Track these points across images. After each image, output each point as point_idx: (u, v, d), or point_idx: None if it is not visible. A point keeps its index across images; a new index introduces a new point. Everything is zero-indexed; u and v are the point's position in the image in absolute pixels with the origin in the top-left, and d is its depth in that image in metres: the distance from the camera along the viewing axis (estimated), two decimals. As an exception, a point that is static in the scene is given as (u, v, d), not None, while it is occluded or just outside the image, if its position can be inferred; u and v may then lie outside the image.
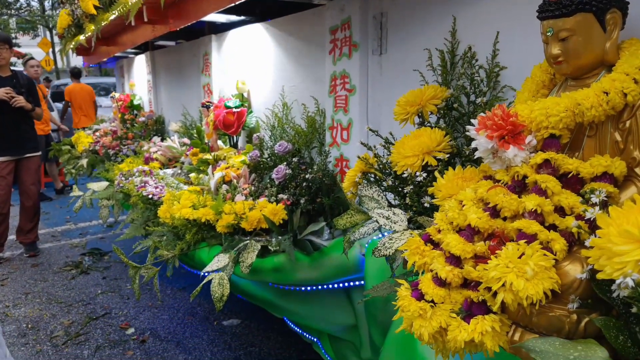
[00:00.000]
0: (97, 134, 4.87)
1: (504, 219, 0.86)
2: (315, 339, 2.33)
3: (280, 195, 2.25)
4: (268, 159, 2.61)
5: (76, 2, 3.93)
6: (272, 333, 3.01)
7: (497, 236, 0.84)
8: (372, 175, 1.41)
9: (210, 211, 2.16)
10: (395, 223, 1.16)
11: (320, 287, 2.05)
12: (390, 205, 1.33)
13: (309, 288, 2.06)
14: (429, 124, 1.38)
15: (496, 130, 0.84)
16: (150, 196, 2.53)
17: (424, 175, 1.16)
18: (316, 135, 2.37)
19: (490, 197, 0.85)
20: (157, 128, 4.65)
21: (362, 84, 2.00)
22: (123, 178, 2.91)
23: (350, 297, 2.11)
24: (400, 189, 1.29)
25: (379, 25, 1.89)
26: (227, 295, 1.72)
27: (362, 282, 2.02)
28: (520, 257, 0.74)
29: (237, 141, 3.10)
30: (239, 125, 2.87)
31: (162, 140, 3.99)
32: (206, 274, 2.17)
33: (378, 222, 1.19)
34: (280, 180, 2.33)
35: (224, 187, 2.42)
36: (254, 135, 2.74)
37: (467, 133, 0.92)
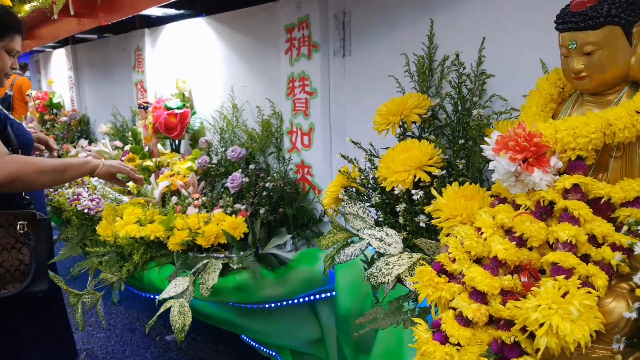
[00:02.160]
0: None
1: (530, 248, 0.79)
2: (273, 353, 2.21)
3: (237, 206, 2.10)
4: (218, 165, 2.43)
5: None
6: (220, 346, 2.84)
7: (525, 269, 0.77)
8: (353, 190, 1.31)
9: (160, 227, 1.96)
10: (389, 245, 1.07)
11: (285, 302, 1.93)
12: (376, 223, 1.24)
13: (272, 305, 1.93)
14: (410, 135, 1.31)
15: (520, 152, 0.77)
16: (85, 210, 2.26)
17: (421, 193, 1.07)
18: (272, 140, 2.23)
19: (517, 225, 0.78)
20: (82, 129, 4.25)
21: (323, 86, 1.89)
22: (51, 189, 2.59)
23: (315, 310, 2.01)
24: (389, 207, 1.20)
25: (341, 25, 1.78)
26: (189, 324, 1.55)
27: (329, 295, 1.93)
28: (563, 296, 0.68)
29: (179, 145, 2.88)
30: (182, 128, 2.65)
31: (90, 143, 3.63)
32: (156, 296, 1.98)
33: (370, 244, 1.09)
34: (236, 190, 2.17)
35: (173, 198, 2.21)
36: (201, 139, 2.54)
37: (484, 153, 0.85)
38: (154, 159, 2.63)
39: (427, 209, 1.05)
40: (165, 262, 1.98)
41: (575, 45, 0.79)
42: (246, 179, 2.13)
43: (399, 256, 1.04)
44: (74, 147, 3.75)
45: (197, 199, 2.27)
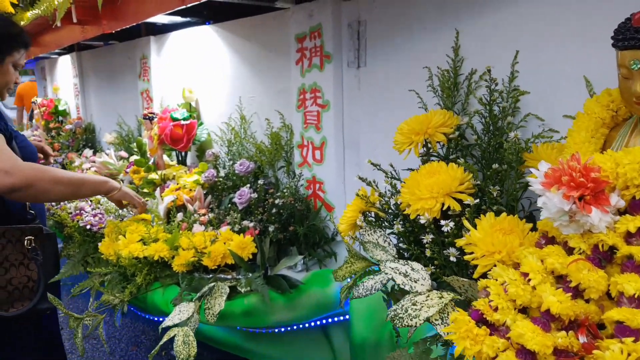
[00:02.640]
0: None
1: (587, 300, 0.68)
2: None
3: (245, 223, 2.00)
4: (226, 179, 2.33)
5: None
6: (229, 364, 2.74)
7: (582, 324, 0.66)
8: (372, 215, 1.20)
9: (164, 247, 1.86)
10: (416, 282, 0.97)
11: (296, 327, 1.82)
12: (399, 252, 1.13)
13: (282, 329, 1.83)
14: (435, 155, 1.20)
15: (575, 188, 0.67)
16: (88, 227, 2.18)
17: (451, 225, 0.97)
18: (282, 154, 2.13)
19: (572, 273, 0.67)
20: (88, 137, 4.17)
21: (336, 99, 1.79)
22: (53, 204, 2.51)
23: (328, 334, 1.91)
24: (412, 236, 1.10)
25: (356, 34, 1.68)
26: (194, 354, 1.45)
27: (343, 319, 1.83)
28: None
29: (185, 157, 2.79)
30: (188, 140, 2.56)
31: (94, 153, 3.56)
32: (159, 319, 1.88)
33: (394, 280, 0.99)
34: (244, 205, 2.07)
35: (179, 215, 2.12)
36: (208, 151, 2.45)
37: (532, 188, 0.74)
38: (159, 172, 2.54)
39: (459, 242, 0.95)
40: (170, 283, 1.89)
41: (638, 66, 0.68)
42: (255, 195, 2.03)
43: (428, 295, 0.93)
44: (79, 156, 3.69)
45: (204, 214, 2.18)
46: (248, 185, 2.11)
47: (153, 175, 2.53)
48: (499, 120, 1.09)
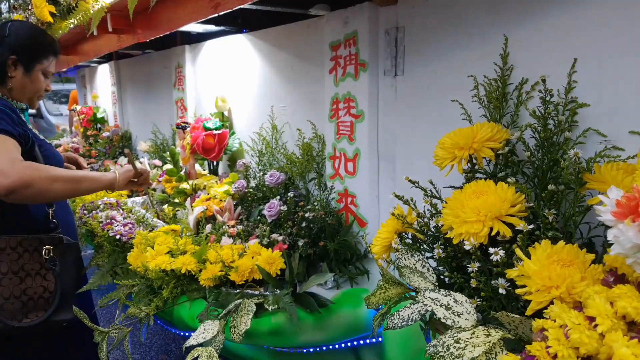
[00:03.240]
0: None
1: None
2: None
3: (274, 236, 1.93)
4: (256, 190, 2.28)
5: (30, 8, 3.49)
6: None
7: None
8: (408, 236, 1.11)
9: (191, 260, 1.82)
10: (459, 316, 0.86)
11: (325, 347, 1.73)
12: (439, 280, 1.03)
13: (311, 349, 1.74)
14: (482, 172, 1.10)
15: (657, 221, 0.56)
16: (118, 237, 2.16)
17: (502, 254, 0.86)
18: (313, 165, 2.06)
19: (652, 323, 0.56)
20: (124, 145, 4.23)
21: (371, 109, 1.71)
22: (85, 212, 2.52)
23: (359, 356, 1.80)
24: (455, 262, 1.00)
25: (394, 41, 1.60)
26: (218, 376, 1.38)
27: (375, 341, 1.73)
28: None
29: (216, 167, 2.76)
30: (220, 150, 2.53)
31: (129, 161, 3.58)
32: (185, 333, 1.83)
33: (434, 313, 0.89)
34: (273, 218, 2.01)
35: (208, 227, 2.07)
36: (239, 161, 2.40)
37: (601, 218, 0.64)
38: (190, 182, 2.52)
39: (510, 273, 0.84)
40: (197, 297, 1.83)
41: None
42: (284, 207, 1.96)
43: (473, 332, 0.83)
44: (115, 163, 3.73)
45: (233, 226, 2.12)
46: (278, 197, 2.05)
47: (184, 185, 2.51)
48: (554, 135, 0.98)
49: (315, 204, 1.89)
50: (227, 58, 2.73)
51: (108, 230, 2.23)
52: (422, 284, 1.02)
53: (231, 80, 2.72)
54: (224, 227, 2.08)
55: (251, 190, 2.27)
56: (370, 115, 1.71)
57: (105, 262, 2.18)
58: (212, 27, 2.63)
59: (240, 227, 2.04)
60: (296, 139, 2.13)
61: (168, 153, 2.89)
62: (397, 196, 1.11)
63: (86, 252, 2.96)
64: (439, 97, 1.44)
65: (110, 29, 2.39)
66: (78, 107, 4.57)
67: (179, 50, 3.18)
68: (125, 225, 2.25)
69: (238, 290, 1.78)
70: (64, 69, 4.61)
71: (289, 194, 1.98)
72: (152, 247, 1.95)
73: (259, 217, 2.10)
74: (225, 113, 2.76)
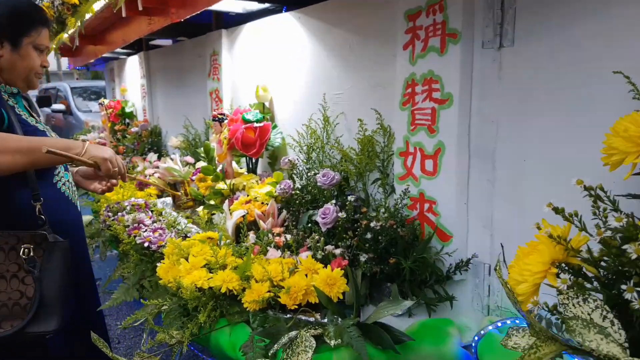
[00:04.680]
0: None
1: None
2: None
3: (329, 248, 1.59)
4: (303, 192, 1.95)
5: (55, -9, 3.26)
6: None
7: None
8: (567, 267, 0.75)
9: (233, 276, 1.49)
10: None
11: (398, 390, 1.39)
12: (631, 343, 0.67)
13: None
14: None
15: None
16: (146, 244, 1.86)
17: None
18: (376, 163, 1.71)
19: None
20: (153, 140, 3.98)
21: (463, 92, 1.35)
22: (110, 214, 2.23)
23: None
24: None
25: (499, 3, 1.23)
26: None
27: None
28: None
29: (256, 164, 2.44)
30: (261, 145, 2.20)
31: (159, 157, 3.31)
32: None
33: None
34: (328, 227, 1.67)
35: (251, 236, 1.75)
36: (284, 158, 2.07)
37: None
38: (228, 181, 2.20)
39: None
40: (239, 321, 1.51)
41: None
42: (343, 214, 1.62)
43: None
44: (144, 159, 3.47)
45: (278, 234, 1.80)
46: (333, 201, 1.71)
47: (221, 185, 2.20)
48: None
49: (382, 210, 1.54)
50: (269, 41, 2.40)
51: (135, 237, 1.93)
52: (604, 345, 0.66)
53: (274, 67, 2.40)
54: (268, 235, 1.75)
55: (298, 192, 1.94)
56: (461, 100, 1.35)
57: (131, 273, 1.89)
58: (253, 5, 2.31)
59: (288, 236, 1.71)
60: (355, 132, 1.78)
61: (202, 149, 2.59)
62: (557, 210, 0.74)
63: (112, 252, 2.69)
64: (570, 76, 1.07)
65: (140, 7, 2.10)
66: (106, 101, 4.34)
67: (215, 36, 2.88)
68: (154, 230, 1.95)
69: (289, 315, 1.45)
70: (92, 60, 4.39)
71: (349, 197, 1.63)
72: (186, 259, 1.64)
73: (309, 225, 1.77)
74: (267, 104, 2.44)
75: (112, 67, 5.11)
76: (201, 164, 2.72)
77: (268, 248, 1.68)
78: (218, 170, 2.35)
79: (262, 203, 2.03)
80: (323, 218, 1.66)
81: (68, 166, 1.82)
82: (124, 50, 4.62)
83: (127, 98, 4.59)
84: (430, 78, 1.43)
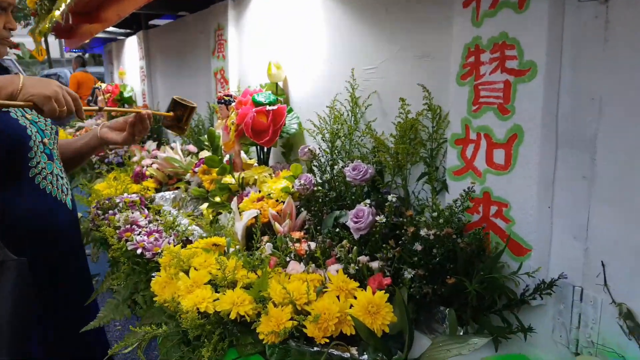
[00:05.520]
0: (79, 133, 3.88)
1: None
2: None
3: (362, 259, 1.27)
4: (327, 188, 1.62)
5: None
6: None
7: None
8: None
9: (245, 297, 1.18)
10: None
11: None
12: None
13: None
14: None
15: None
16: (139, 251, 1.54)
17: None
18: (420, 154, 1.38)
19: None
20: (153, 127, 3.65)
21: (551, 60, 1.01)
22: (99, 212, 1.92)
23: None
24: None
25: None
26: None
27: None
28: None
29: (267, 154, 2.11)
30: (275, 132, 1.87)
31: (158, 146, 2.99)
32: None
33: None
34: (362, 233, 1.34)
35: (267, 245, 1.43)
36: (302, 148, 1.74)
37: None
38: (236, 175, 1.88)
39: None
40: (252, 353, 1.20)
41: None
42: (381, 218, 1.29)
43: None
44: (142, 147, 3.15)
45: (298, 240, 1.47)
46: (367, 201, 1.38)
47: (228, 179, 1.87)
48: None
49: (432, 214, 1.21)
50: (284, 10, 2.06)
51: (126, 241, 1.62)
52: None
53: (288, 41, 2.06)
54: (286, 241, 1.43)
55: (320, 188, 1.61)
56: (547, 70, 1.01)
57: (121, 285, 1.57)
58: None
59: (312, 244, 1.38)
60: (393, 115, 1.45)
61: (206, 136, 2.26)
62: None
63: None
64: None
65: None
66: (103, 86, 4.01)
67: (220, 9, 2.54)
68: (149, 233, 1.63)
69: (316, 349, 1.13)
70: (87, 41, 4.05)
71: (389, 197, 1.30)
72: (187, 273, 1.32)
73: (337, 230, 1.44)
74: (280, 84, 2.11)
75: (110, 48, 4.77)
76: (205, 153, 2.39)
77: (287, 258, 1.36)
78: (224, 161, 2.03)
79: (277, 201, 1.71)
80: (356, 222, 1.33)
81: (53, 150, 1.51)
82: (122, 31, 4.28)
83: (126, 82, 4.26)
84: (502, 43, 1.09)
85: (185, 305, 1.19)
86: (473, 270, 1.13)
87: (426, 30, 1.36)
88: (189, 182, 2.24)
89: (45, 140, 1.48)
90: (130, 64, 4.23)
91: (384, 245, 1.27)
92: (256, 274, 1.31)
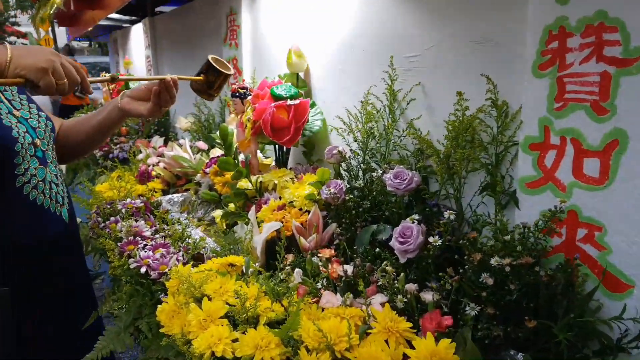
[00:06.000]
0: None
1: None
2: None
3: (410, 287, 1.04)
4: (359, 197, 1.39)
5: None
6: None
7: None
8: None
9: (271, 339, 0.96)
10: None
11: None
12: None
13: None
14: None
15: None
16: (143, 270, 1.33)
17: None
18: (480, 159, 1.14)
19: None
20: (160, 121, 3.43)
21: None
22: (100, 220, 1.70)
23: None
24: None
25: None
26: None
27: None
28: None
29: (286, 155, 1.88)
30: (297, 130, 1.65)
31: (165, 142, 2.78)
32: None
33: None
34: (410, 256, 1.11)
35: (297, 272, 1.20)
36: (330, 148, 1.52)
37: None
38: (253, 178, 1.65)
39: None
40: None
41: None
42: (436, 240, 1.06)
43: None
44: (148, 143, 2.94)
45: (328, 259, 1.25)
46: (416, 217, 1.15)
47: (244, 183, 1.65)
48: None
49: (507, 237, 0.98)
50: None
51: (129, 256, 1.40)
52: None
53: (311, 25, 1.82)
54: (317, 263, 1.21)
55: (352, 196, 1.38)
56: (672, 57, 0.77)
57: (123, 308, 1.36)
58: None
59: (348, 267, 1.15)
60: (442, 111, 1.21)
61: (217, 133, 2.04)
62: None
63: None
64: None
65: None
66: (107, 75, 3.79)
67: (232, -9, 2.30)
68: (155, 248, 1.41)
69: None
70: (90, 28, 3.83)
71: (446, 213, 1.07)
72: (200, 301, 1.11)
73: (377, 251, 1.21)
74: (301, 74, 1.87)
75: (115, 37, 4.54)
76: (216, 152, 2.17)
77: (320, 286, 1.14)
78: (240, 161, 1.80)
79: (300, 210, 1.49)
80: (402, 242, 1.11)
81: (47, 152, 1.30)
82: (128, 18, 4.05)
83: (132, 72, 4.04)
84: (599, 24, 0.85)
85: (197, 347, 0.97)
86: (557, 309, 0.90)
87: (488, 9, 1.11)
88: (199, 184, 2.02)
89: (37, 140, 1.26)
90: (137, 53, 4.01)
91: (444, 275, 1.03)
92: (282, 304, 1.10)
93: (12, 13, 21.40)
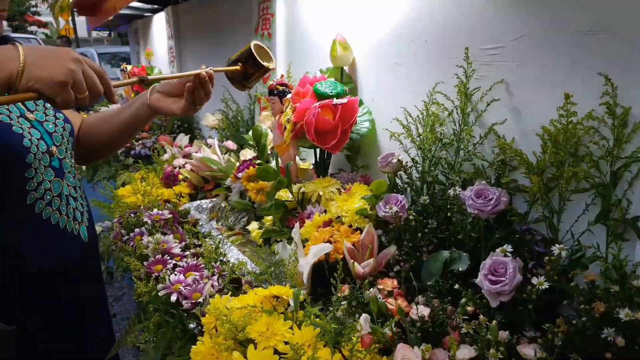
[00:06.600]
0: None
1: None
2: None
3: (503, 335, 0.83)
4: (423, 215, 1.19)
5: None
6: None
7: None
8: None
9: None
10: None
11: None
12: None
13: None
14: None
15: None
16: (173, 298, 1.14)
17: None
18: (590, 177, 0.92)
19: None
20: (183, 119, 3.26)
21: None
22: (123, 232, 1.53)
23: None
24: None
25: None
26: None
27: None
28: None
29: (328, 161, 1.67)
30: (344, 133, 1.44)
31: (190, 140, 2.60)
32: None
33: None
34: (503, 300, 0.90)
35: (364, 318, 1.00)
36: (384, 156, 1.30)
37: None
38: (294, 188, 1.45)
39: None
40: None
41: None
42: (541, 281, 0.84)
43: None
44: (173, 139, 2.78)
45: (392, 293, 1.05)
46: (508, 247, 0.93)
47: (284, 194, 1.45)
48: None
49: (636, 283, 0.76)
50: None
51: (156, 280, 1.22)
52: None
53: (358, 11, 1.60)
54: (384, 302, 1.00)
55: (415, 215, 1.17)
56: None
57: (150, 341, 1.18)
58: None
59: (424, 309, 0.95)
60: (537, 115, 0.99)
61: (250, 134, 1.84)
62: None
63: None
64: None
65: None
66: (128, 67, 3.63)
67: (264, -25, 2.09)
68: (186, 270, 1.23)
69: None
70: (110, 18, 3.67)
71: (556, 249, 0.85)
72: (242, 344, 0.92)
73: (455, 287, 1.00)
74: (346, 69, 1.66)
75: (136, 27, 4.38)
76: (247, 153, 1.98)
77: (387, 330, 0.94)
78: (278, 165, 1.60)
79: (350, 227, 1.28)
80: (494, 282, 0.89)
81: (64, 161, 1.12)
82: (149, 6, 3.88)
83: (154, 63, 3.87)
84: None
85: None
86: None
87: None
88: (229, 189, 1.84)
89: (53, 148, 1.08)
90: (158, 43, 3.84)
91: (552, 328, 0.81)
92: (342, 354, 0.90)
93: (33, 2, 21.55)
